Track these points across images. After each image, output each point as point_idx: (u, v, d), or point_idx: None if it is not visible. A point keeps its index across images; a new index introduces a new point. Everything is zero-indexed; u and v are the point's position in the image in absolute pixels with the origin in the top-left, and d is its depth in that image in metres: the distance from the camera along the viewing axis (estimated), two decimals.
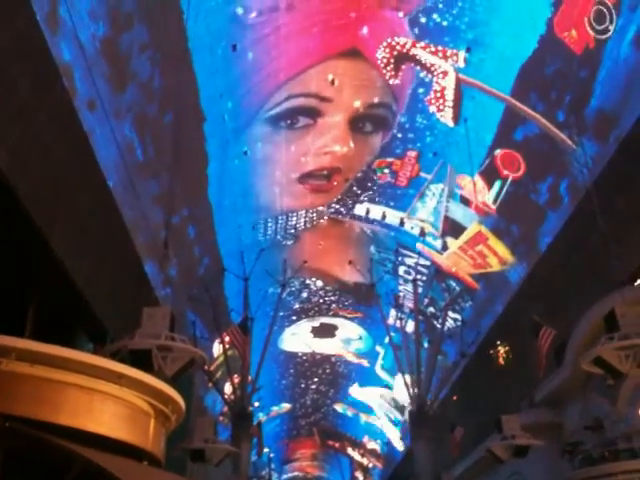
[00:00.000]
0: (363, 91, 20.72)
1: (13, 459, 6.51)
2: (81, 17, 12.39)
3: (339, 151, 22.94)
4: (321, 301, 33.98)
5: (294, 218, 26.65)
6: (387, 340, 31.67)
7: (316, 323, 36.33)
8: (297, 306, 33.94)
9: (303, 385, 43.77)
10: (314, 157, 23.18)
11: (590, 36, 15.61)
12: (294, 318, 35.11)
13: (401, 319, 29.88)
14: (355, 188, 24.99)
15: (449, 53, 18.64)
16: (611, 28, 15.18)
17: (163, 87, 16.63)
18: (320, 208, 26.14)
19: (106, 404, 7.69)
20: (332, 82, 20.22)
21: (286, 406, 46.41)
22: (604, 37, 15.37)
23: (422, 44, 18.73)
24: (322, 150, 22.86)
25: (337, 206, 26.02)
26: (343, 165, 23.70)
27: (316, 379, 42.92)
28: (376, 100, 21.03)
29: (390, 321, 30.69)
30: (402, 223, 25.86)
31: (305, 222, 26.97)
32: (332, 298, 33.71)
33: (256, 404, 29.39)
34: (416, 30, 18.42)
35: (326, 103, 20.96)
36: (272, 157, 22.97)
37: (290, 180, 24.18)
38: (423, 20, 18.17)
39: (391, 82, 20.03)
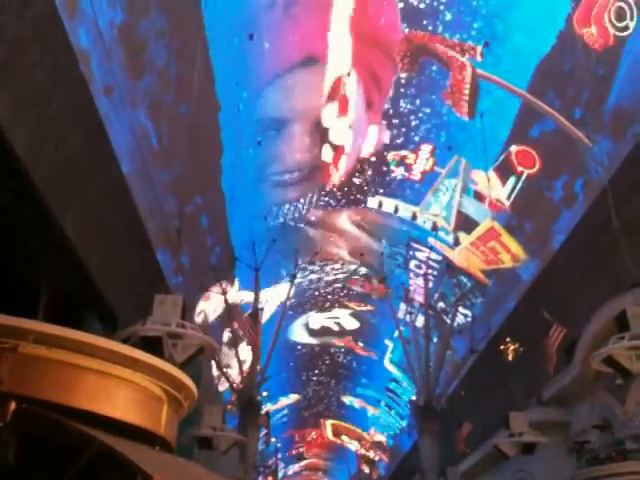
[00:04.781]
0: None
1: (29, 441, 6.58)
2: (99, 3, 12.41)
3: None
4: (331, 293, 34.03)
5: (306, 209, 26.67)
6: (396, 334, 31.67)
7: (327, 314, 36.39)
8: (307, 297, 33.98)
9: (309, 376, 43.91)
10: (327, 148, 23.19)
11: (610, 33, 15.46)
12: (304, 309, 35.18)
13: (411, 313, 29.85)
14: (368, 181, 24.96)
15: (466, 47, 18.54)
16: (631, 25, 15.01)
17: (179, 75, 16.65)
18: (332, 201, 26.16)
19: (121, 388, 7.75)
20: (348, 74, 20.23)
21: (294, 397, 46.55)
22: (624, 34, 15.23)
23: (439, 37, 18.65)
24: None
25: (350, 198, 26.00)
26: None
27: (321, 370, 43.03)
28: None
29: (400, 315, 30.69)
30: (414, 217, 25.81)
31: (317, 213, 27.01)
32: (342, 291, 33.75)
33: (264, 394, 29.52)
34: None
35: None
36: (285, 146, 22.97)
37: (303, 170, 24.22)
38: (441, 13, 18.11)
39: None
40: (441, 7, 18.02)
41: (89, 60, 12.61)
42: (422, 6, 18.05)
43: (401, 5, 18.16)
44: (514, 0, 17.06)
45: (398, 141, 22.79)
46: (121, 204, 15.58)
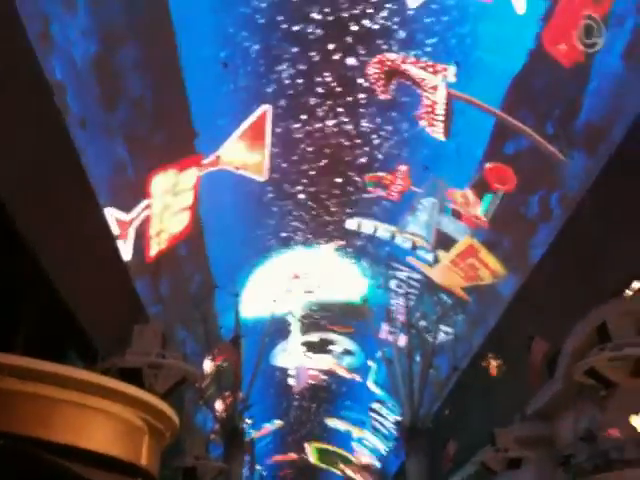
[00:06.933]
0: None
1: (8, 477, 6.44)
2: (73, 35, 12.40)
3: None
4: (312, 316, 33.89)
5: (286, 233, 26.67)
6: (379, 354, 31.60)
7: (310, 338, 36.19)
8: (287, 321, 33.79)
9: (293, 402, 43.57)
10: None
11: (579, 50, 15.76)
12: (282, 334, 34.93)
13: (393, 333, 29.85)
14: (346, 203, 25.05)
15: (439, 68, 18.75)
16: (600, 42, 15.32)
17: (155, 105, 16.64)
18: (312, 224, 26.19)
19: (99, 420, 7.61)
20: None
21: (278, 423, 46.12)
22: (593, 51, 15.53)
23: (412, 59, 18.84)
24: None
25: (329, 219, 26.03)
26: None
27: (302, 394, 42.69)
28: None
29: (382, 335, 30.64)
30: (393, 237, 25.90)
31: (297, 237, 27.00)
32: (323, 313, 33.62)
33: (248, 421, 29.25)
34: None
35: None
36: None
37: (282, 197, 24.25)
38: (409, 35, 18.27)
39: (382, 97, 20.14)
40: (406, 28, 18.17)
41: (64, 92, 12.57)
42: (394, 27, 18.17)
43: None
44: (483, 20, 17.32)
45: (374, 163, 22.91)
46: (98, 235, 15.46)
